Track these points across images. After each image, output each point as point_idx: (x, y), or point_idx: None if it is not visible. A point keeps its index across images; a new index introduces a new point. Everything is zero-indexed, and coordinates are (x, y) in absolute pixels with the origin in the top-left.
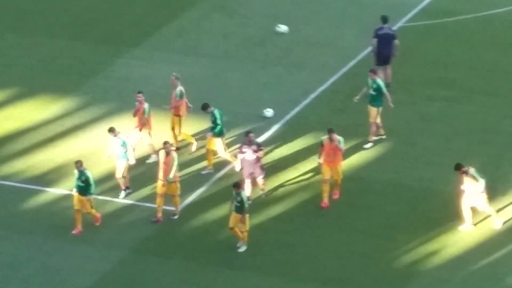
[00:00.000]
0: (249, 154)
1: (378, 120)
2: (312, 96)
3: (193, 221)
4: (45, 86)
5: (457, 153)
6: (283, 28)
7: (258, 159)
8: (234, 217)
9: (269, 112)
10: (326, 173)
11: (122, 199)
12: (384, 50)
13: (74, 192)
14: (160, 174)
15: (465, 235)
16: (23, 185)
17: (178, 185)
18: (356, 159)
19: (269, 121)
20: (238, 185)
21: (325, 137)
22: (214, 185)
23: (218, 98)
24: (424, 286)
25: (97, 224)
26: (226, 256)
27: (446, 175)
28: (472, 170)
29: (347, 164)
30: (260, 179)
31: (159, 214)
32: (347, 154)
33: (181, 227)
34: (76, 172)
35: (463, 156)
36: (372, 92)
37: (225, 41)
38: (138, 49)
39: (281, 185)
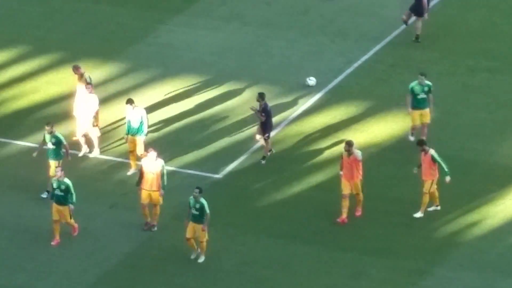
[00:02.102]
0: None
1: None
2: (355, 65)
3: (235, 188)
4: (88, 51)
5: (499, 124)
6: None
7: (261, 122)
8: (191, 227)
9: (311, 81)
10: (345, 188)
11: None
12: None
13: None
14: (146, 184)
15: (505, 206)
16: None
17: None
18: (398, 129)
19: (312, 90)
20: (201, 190)
21: (343, 151)
22: (255, 153)
23: (260, 66)
24: (464, 257)
25: (75, 234)
26: (266, 224)
27: (488, 146)
28: (432, 151)
29: (389, 133)
30: (261, 139)
31: (148, 219)
32: (389, 124)
33: (222, 194)
34: (55, 180)
35: (505, 127)
36: (423, 95)
37: (268, 9)
38: (181, 16)
39: (321, 154)
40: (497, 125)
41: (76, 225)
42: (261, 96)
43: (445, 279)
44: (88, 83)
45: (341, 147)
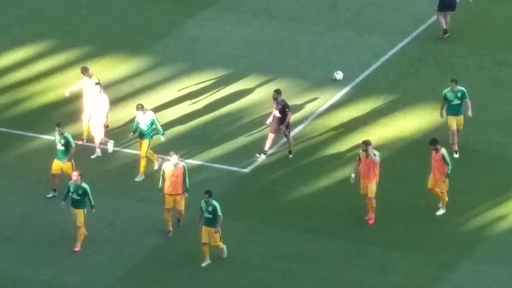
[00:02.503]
0: (276, 112)
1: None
2: (383, 59)
3: (262, 182)
4: (116, 45)
5: None
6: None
7: (283, 119)
8: (205, 231)
9: (339, 75)
10: (363, 188)
11: (191, 160)
12: None
13: (63, 206)
14: (169, 188)
15: None
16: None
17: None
18: (425, 123)
19: (339, 84)
20: (210, 193)
21: (360, 151)
22: (282, 146)
23: (288, 60)
24: (492, 251)
25: (76, 248)
26: (293, 218)
27: None
28: (443, 150)
29: (416, 127)
30: (287, 135)
31: (170, 228)
32: (416, 118)
33: (249, 188)
34: (71, 184)
35: None
36: (457, 101)
37: (296, 3)
38: (209, 10)
39: (349, 148)
40: None
41: (85, 233)
42: (279, 92)
43: (472, 273)
44: (97, 83)
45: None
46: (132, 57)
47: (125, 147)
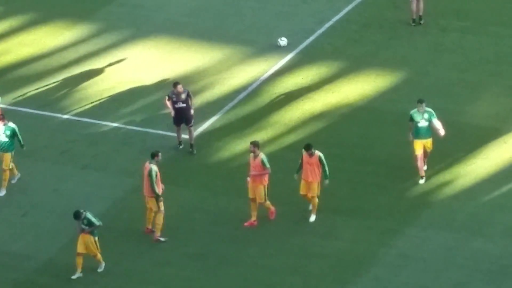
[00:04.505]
0: (179, 103)
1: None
2: (327, 25)
3: (206, 149)
4: (60, 12)
5: (470, 84)
6: (283, 41)
7: (188, 108)
8: (81, 240)
9: (283, 41)
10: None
11: (135, 127)
12: None
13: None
14: (144, 189)
15: (476, 166)
16: (37, 111)
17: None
18: (369, 89)
19: (283, 50)
20: (77, 215)
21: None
22: (226, 113)
23: (232, 26)
24: (436, 216)
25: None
26: (238, 185)
27: (458, 106)
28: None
29: (360, 94)
30: (190, 129)
31: (150, 226)
32: (360, 84)
33: (195, 156)
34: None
35: (476, 87)
36: (424, 123)
37: None
38: None
39: (293, 114)
40: (468, 85)
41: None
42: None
43: (417, 239)
44: None
45: (313, 108)
46: (76, 24)
47: (66, 114)
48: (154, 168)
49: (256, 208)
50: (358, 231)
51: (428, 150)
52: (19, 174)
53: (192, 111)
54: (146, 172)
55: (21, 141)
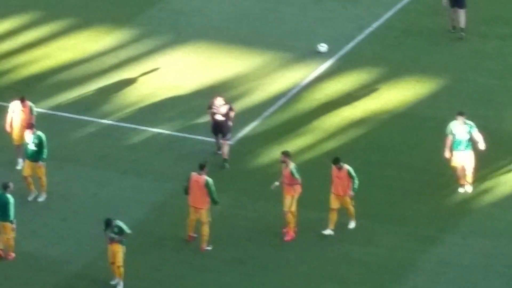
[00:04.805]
0: (219, 115)
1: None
2: (367, 31)
3: (246, 154)
4: (100, 17)
5: (511, 91)
6: (323, 47)
7: (226, 121)
8: (111, 249)
9: (323, 47)
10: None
11: (175, 132)
12: None
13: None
14: (194, 200)
15: None
16: (76, 116)
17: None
18: (409, 96)
19: (323, 56)
20: (108, 223)
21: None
22: (266, 119)
23: (272, 32)
24: (476, 224)
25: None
26: (277, 191)
27: (499, 113)
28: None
29: (400, 100)
30: (223, 143)
31: (191, 233)
32: (400, 90)
33: (235, 160)
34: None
35: None
36: (463, 137)
37: None
38: None
39: (332, 120)
40: (509, 92)
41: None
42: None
43: (456, 246)
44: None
45: (353, 114)
46: (116, 29)
47: (106, 119)
48: (209, 178)
49: (291, 219)
50: (397, 238)
51: (469, 164)
52: (36, 193)
53: (230, 125)
54: (199, 184)
55: (45, 152)
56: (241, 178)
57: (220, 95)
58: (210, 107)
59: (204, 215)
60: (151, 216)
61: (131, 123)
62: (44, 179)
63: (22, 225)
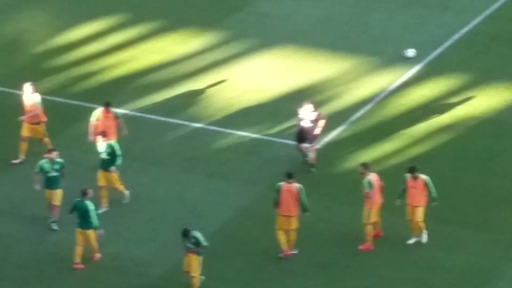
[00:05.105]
0: (306, 121)
1: None
2: (455, 37)
3: (333, 159)
4: (187, 20)
5: None
6: (411, 53)
7: (313, 128)
8: (186, 258)
9: (411, 53)
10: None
11: (262, 136)
12: None
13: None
14: (287, 209)
15: None
16: (163, 118)
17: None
18: (497, 102)
19: (411, 62)
20: (186, 233)
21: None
22: (353, 124)
23: (360, 37)
24: None
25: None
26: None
27: None
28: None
29: (487, 106)
30: (310, 149)
31: (287, 250)
32: (488, 96)
33: (321, 164)
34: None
35: None
36: None
37: None
38: None
39: (419, 126)
40: None
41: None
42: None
43: None
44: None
45: (440, 120)
46: (204, 32)
47: (193, 121)
48: (301, 185)
49: (369, 231)
50: (484, 244)
51: None
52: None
53: (317, 132)
54: (292, 193)
55: (118, 160)
56: (327, 182)
57: (309, 102)
58: (298, 113)
59: (295, 222)
60: (237, 219)
61: (218, 126)
62: (118, 185)
63: (108, 226)
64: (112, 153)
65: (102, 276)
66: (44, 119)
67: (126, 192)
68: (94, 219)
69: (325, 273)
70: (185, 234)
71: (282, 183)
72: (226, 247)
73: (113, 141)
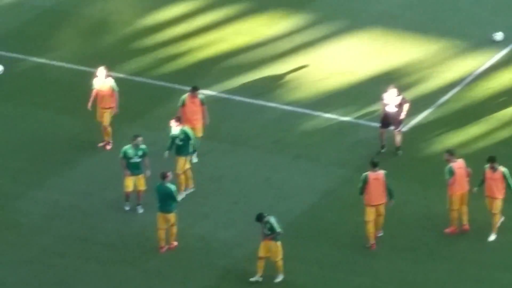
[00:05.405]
0: (391, 106)
1: None
2: None
3: (419, 142)
4: (275, 2)
5: None
6: (499, 36)
7: (399, 113)
8: (264, 244)
9: (499, 36)
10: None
11: (348, 118)
12: None
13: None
14: (376, 198)
15: None
16: (250, 100)
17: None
18: None
19: (499, 45)
20: (260, 218)
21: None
22: (440, 107)
23: (448, 20)
24: None
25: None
26: None
27: None
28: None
29: None
30: (395, 133)
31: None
32: None
33: (407, 147)
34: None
35: None
36: None
37: None
38: None
39: (508, 110)
40: None
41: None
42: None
43: None
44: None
45: None
46: (291, 14)
47: (280, 103)
48: (386, 172)
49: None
50: None
51: None
52: (193, 189)
53: (402, 117)
54: (380, 181)
55: (192, 146)
56: (413, 165)
57: (393, 86)
58: (382, 98)
59: (383, 209)
60: (323, 201)
61: (305, 108)
62: (182, 177)
63: (194, 208)
64: (185, 138)
65: (187, 256)
66: (115, 108)
67: (191, 186)
68: (174, 203)
69: (410, 255)
70: (259, 218)
71: (368, 173)
72: (312, 229)
73: (187, 128)
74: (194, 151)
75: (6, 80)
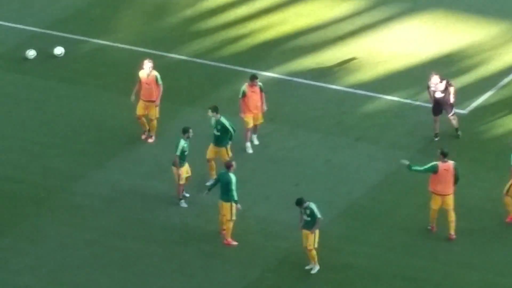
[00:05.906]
0: (438, 93)
1: None
2: None
3: (480, 124)
4: None
5: None
6: None
7: (447, 97)
8: (305, 235)
9: None
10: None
11: (408, 100)
12: None
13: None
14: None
15: None
16: (311, 82)
17: None
18: None
19: None
20: (300, 202)
21: None
22: (501, 89)
23: (509, 1)
24: None
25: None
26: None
27: None
28: None
29: None
30: (450, 117)
31: (434, 225)
32: None
33: (469, 129)
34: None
35: None
36: None
37: None
38: None
39: None
40: None
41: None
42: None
43: None
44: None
45: None
46: None
47: (341, 85)
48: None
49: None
50: None
51: None
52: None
53: (452, 100)
54: (450, 172)
55: (228, 137)
56: (474, 148)
57: (435, 73)
58: (428, 86)
59: (451, 201)
60: (384, 183)
61: (366, 90)
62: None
63: (254, 190)
64: (222, 129)
65: (247, 239)
66: (158, 100)
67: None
68: (233, 193)
69: (470, 238)
70: (299, 202)
71: (438, 163)
72: (372, 211)
73: (224, 119)
74: (230, 140)
75: (68, 62)
